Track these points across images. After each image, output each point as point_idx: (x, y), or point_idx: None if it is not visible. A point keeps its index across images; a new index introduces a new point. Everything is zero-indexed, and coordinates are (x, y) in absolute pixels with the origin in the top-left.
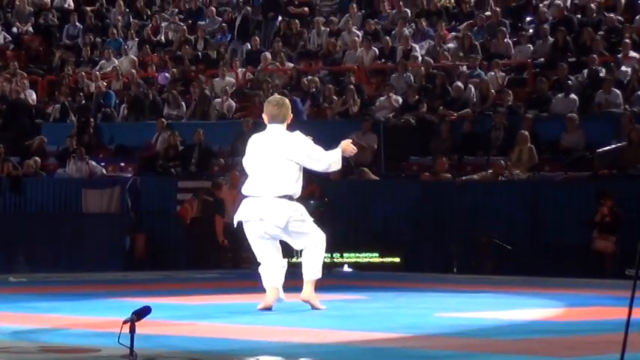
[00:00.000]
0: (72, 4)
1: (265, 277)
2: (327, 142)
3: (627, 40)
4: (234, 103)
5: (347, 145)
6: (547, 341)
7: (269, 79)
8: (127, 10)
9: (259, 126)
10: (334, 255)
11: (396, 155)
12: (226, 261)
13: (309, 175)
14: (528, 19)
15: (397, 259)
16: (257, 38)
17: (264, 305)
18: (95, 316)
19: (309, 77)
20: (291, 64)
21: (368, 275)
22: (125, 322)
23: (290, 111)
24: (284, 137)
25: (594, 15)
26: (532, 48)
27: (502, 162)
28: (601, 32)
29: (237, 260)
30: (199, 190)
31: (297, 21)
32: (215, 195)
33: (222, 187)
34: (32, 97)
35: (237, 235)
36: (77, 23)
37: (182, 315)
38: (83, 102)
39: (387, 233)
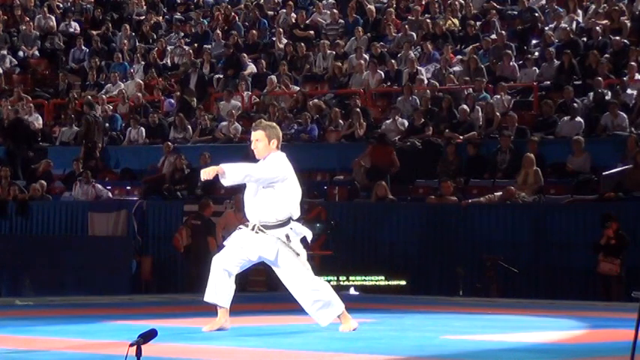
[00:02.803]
0: (78, 28)
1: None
2: (333, 165)
3: (633, 63)
4: (240, 126)
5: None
6: None
7: (275, 102)
8: (133, 34)
9: None
10: (341, 278)
11: (402, 178)
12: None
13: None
14: (534, 42)
15: (403, 282)
16: (263, 61)
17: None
18: (101, 339)
19: (315, 100)
20: (296, 88)
21: (374, 298)
22: (131, 345)
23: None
24: None
25: (600, 38)
26: (538, 71)
27: (512, 188)
28: (607, 55)
29: (244, 284)
30: (188, 216)
31: (302, 44)
32: (203, 216)
33: (209, 207)
34: (38, 120)
35: None
36: (83, 47)
37: (189, 338)
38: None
39: (393, 256)
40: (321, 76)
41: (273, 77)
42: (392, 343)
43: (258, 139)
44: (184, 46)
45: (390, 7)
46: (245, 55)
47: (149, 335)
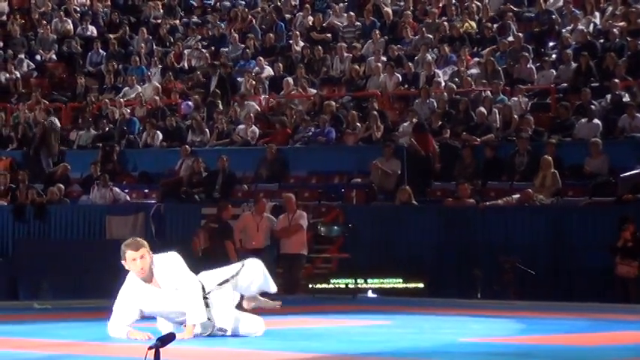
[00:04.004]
0: (95, 31)
1: None
2: (350, 167)
3: None
4: (257, 129)
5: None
6: None
7: (292, 105)
8: (150, 37)
9: (282, 152)
10: (358, 280)
11: (420, 181)
12: None
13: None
14: (551, 44)
15: (421, 285)
16: (280, 64)
17: None
18: (120, 343)
19: (332, 103)
20: (314, 90)
21: (392, 300)
22: (150, 348)
23: None
24: None
25: (617, 40)
26: (555, 73)
27: (530, 190)
28: (624, 57)
29: None
30: (206, 219)
31: (320, 47)
32: (221, 219)
33: (228, 210)
34: (56, 124)
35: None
36: (100, 50)
37: (206, 341)
38: (107, 129)
39: (411, 259)
40: (339, 78)
41: (290, 80)
42: (410, 345)
43: (143, 255)
44: (201, 49)
45: (406, 9)
46: (262, 58)
47: (167, 339)
